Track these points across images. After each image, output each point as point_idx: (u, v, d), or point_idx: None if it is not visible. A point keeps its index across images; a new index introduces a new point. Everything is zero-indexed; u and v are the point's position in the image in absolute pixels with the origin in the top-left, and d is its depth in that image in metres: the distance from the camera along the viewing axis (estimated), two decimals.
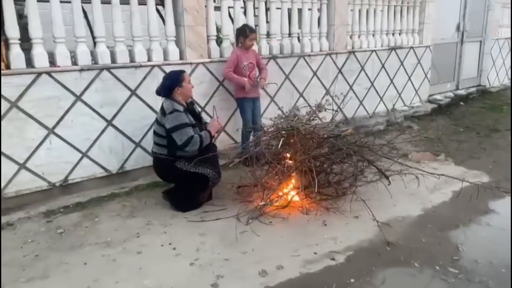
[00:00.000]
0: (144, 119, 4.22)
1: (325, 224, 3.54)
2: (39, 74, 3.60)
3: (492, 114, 7.62)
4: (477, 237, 3.43)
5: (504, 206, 3.43)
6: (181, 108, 3.62)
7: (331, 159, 3.62)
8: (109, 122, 4.06)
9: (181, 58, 4.48)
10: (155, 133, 3.70)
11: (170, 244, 3.23)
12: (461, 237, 3.41)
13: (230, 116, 4.95)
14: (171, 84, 3.67)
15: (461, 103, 8.29)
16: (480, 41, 9.01)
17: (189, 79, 3.79)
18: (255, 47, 5.00)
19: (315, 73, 5.76)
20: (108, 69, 3.97)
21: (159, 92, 3.73)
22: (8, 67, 3.50)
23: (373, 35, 6.55)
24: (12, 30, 3.49)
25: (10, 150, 3.55)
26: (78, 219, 3.61)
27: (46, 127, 3.70)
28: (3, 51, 3.48)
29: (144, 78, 4.21)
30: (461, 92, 8.57)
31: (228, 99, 4.89)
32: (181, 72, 3.78)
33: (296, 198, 3.81)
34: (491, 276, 2.87)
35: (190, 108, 3.82)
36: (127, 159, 4.21)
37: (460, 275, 2.89)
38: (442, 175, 3.69)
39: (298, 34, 5.64)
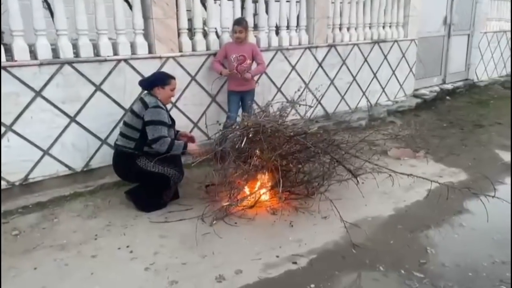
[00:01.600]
0: (110, 115, 4.08)
1: (292, 225, 3.42)
2: None
3: (478, 109, 7.53)
4: (448, 238, 3.33)
5: (480, 205, 3.34)
6: (164, 108, 3.57)
7: (298, 158, 3.49)
8: (72, 119, 3.91)
9: (150, 52, 4.33)
10: (126, 124, 3.54)
11: (127, 247, 3.11)
12: (431, 238, 3.32)
13: (203, 111, 4.81)
14: (155, 81, 3.62)
15: (447, 97, 8.18)
16: (468, 35, 8.87)
17: (175, 87, 3.73)
18: (252, 40, 4.97)
19: (293, 67, 5.61)
20: (70, 63, 3.82)
21: (142, 82, 3.69)
22: None
23: (355, 28, 6.39)
24: None
25: None
26: (36, 220, 3.48)
27: (3, 124, 3.55)
28: None
29: (110, 73, 4.06)
30: (448, 86, 8.45)
31: (200, 94, 4.75)
32: (171, 77, 3.71)
33: (266, 197, 3.70)
34: (457, 280, 2.78)
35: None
36: (92, 157, 4.07)
37: (425, 279, 2.79)
38: (411, 175, 3.57)
39: (276, 27, 5.48)
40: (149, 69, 4.27)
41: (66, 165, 3.96)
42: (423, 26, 7.56)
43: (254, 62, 4.74)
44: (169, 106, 4.45)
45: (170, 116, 3.75)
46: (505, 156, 5.13)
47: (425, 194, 3.99)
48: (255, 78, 4.86)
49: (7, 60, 3.54)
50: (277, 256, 3.00)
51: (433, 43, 8.08)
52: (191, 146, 3.67)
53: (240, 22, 4.60)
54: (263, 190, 3.61)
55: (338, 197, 3.84)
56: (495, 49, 9.58)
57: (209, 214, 3.52)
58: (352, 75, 6.43)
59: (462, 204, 3.81)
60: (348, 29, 6.31)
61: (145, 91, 3.66)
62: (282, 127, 3.34)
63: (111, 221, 3.49)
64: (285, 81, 5.54)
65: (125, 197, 3.78)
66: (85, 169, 4.07)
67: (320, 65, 5.95)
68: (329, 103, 6.21)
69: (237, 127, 3.59)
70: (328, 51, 6.00)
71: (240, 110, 4.73)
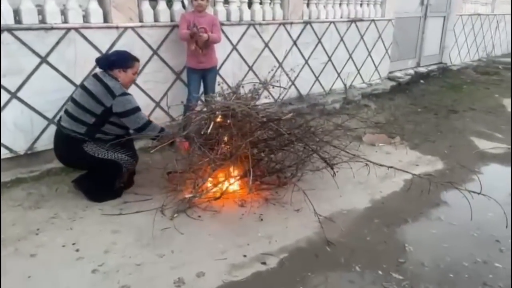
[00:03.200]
0: (58, 91, 3.60)
1: (261, 219, 3.12)
2: None
3: (451, 94, 7.40)
4: (426, 233, 3.11)
5: (456, 197, 3.14)
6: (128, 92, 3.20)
7: (270, 145, 3.16)
8: (13, 95, 3.43)
9: (105, 21, 3.84)
10: (78, 105, 3.08)
11: (73, 244, 2.72)
12: (409, 234, 3.09)
13: (166, 90, 4.38)
14: (115, 62, 3.19)
15: (421, 81, 8.02)
16: (444, 17, 8.69)
17: (137, 71, 3.36)
18: (210, 11, 4.45)
19: (266, 44, 5.23)
20: (10, 30, 3.30)
21: (100, 60, 3.24)
22: None
23: (332, 5, 6.04)
24: None
25: None
26: None
27: None
28: None
29: (57, 42, 3.56)
30: (422, 69, 8.29)
31: (164, 70, 4.31)
32: (135, 58, 3.31)
33: (235, 187, 3.37)
34: (437, 282, 2.56)
35: None
36: (37, 138, 3.61)
37: (404, 282, 2.55)
38: (391, 167, 3.30)
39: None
40: (104, 40, 3.82)
41: (7, 147, 3.49)
42: (400, 6, 7.29)
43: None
44: None
45: None
46: (480, 143, 4.98)
47: (402, 185, 3.77)
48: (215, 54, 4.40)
49: None
50: (245, 256, 2.69)
51: (410, 24, 7.85)
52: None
53: None
54: (231, 181, 3.27)
55: (311, 187, 3.56)
56: (469, 33, 9.47)
57: (170, 205, 3.17)
58: (327, 55, 6.11)
59: (440, 196, 3.60)
60: (325, 6, 5.95)
61: (101, 70, 3.20)
62: (253, 111, 2.98)
63: (57, 212, 3.08)
64: (257, 59, 5.16)
65: (73, 186, 3.35)
66: (29, 152, 3.61)
67: (294, 43, 5.59)
68: (303, 84, 5.89)
69: (204, 109, 3.20)
70: (304, 28, 5.64)
71: (202, 91, 4.33)
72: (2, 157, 3.48)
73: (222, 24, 4.62)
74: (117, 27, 3.88)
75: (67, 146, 3.13)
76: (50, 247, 2.67)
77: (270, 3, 5.25)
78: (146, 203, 3.24)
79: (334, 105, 6.02)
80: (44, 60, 3.53)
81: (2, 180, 3.38)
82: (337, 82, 6.43)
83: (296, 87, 5.78)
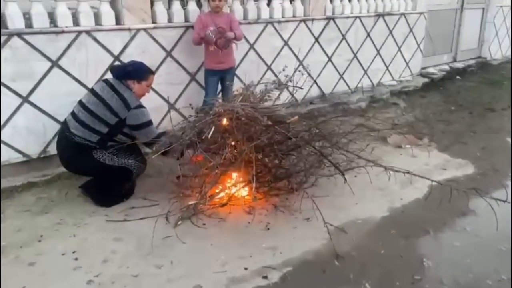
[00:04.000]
0: (70, 95, 3.58)
1: (268, 228, 2.97)
2: None
3: (489, 91, 6.92)
4: (448, 246, 2.87)
5: (485, 206, 2.86)
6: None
7: (277, 150, 3.00)
8: (25, 99, 3.44)
9: (117, 23, 3.80)
10: (91, 113, 3.04)
11: (74, 252, 2.68)
12: (428, 247, 2.86)
13: (181, 91, 4.31)
14: (131, 74, 3.17)
15: (457, 77, 7.57)
16: (483, 8, 8.16)
17: (151, 83, 3.31)
18: (226, 9, 4.33)
19: (286, 42, 5.05)
20: (19, 34, 3.31)
21: (114, 70, 3.22)
22: None
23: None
24: None
25: None
26: None
27: None
28: None
29: (69, 46, 3.55)
30: (459, 65, 7.82)
31: (178, 72, 4.23)
32: (150, 71, 3.29)
33: (244, 193, 3.24)
34: None
35: None
36: (50, 142, 3.61)
37: None
38: (408, 172, 3.06)
39: None
40: (116, 42, 3.78)
41: (20, 151, 3.51)
42: None
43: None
44: None
45: None
46: None
47: (426, 191, 3.49)
48: (234, 54, 4.27)
49: None
50: (246, 269, 2.56)
51: (444, 17, 7.42)
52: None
53: None
54: (237, 187, 3.14)
55: (325, 194, 3.39)
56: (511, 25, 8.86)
57: (175, 212, 3.09)
58: (352, 51, 5.85)
59: (467, 204, 3.32)
60: (350, 0, 5.68)
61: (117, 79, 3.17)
62: (258, 114, 2.83)
63: (63, 218, 3.05)
64: (276, 57, 4.99)
65: (80, 191, 3.33)
66: (42, 156, 3.62)
67: (316, 40, 5.37)
68: (326, 83, 5.67)
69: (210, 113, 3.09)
70: (326, 24, 5.41)
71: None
72: (15, 161, 3.50)
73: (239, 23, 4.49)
74: (129, 29, 3.83)
75: (76, 153, 3.09)
76: (50, 256, 2.64)
77: (290, 0, 5.06)
78: (153, 209, 3.17)
79: (359, 104, 5.76)
80: (55, 64, 3.52)
81: (14, 184, 3.40)
82: (364, 79, 6.15)
83: (318, 85, 5.57)
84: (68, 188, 3.44)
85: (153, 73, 3.29)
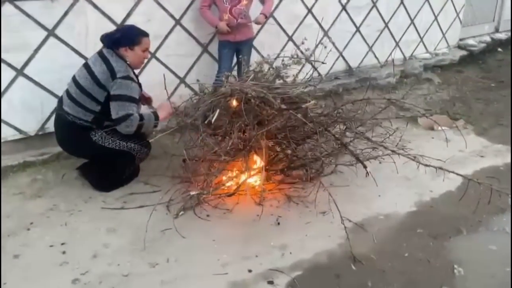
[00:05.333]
0: (69, 67, 3.23)
1: (278, 223, 2.66)
2: None
3: None
4: (484, 250, 2.52)
5: None
6: (134, 77, 2.81)
7: (290, 138, 2.64)
8: (20, 71, 3.17)
9: None
10: (82, 89, 2.74)
11: (62, 244, 2.44)
12: (461, 250, 2.51)
13: (192, 64, 3.95)
14: (121, 40, 2.78)
15: (499, 49, 6.89)
16: None
17: (148, 47, 2.88)
18: None
19: (309, 10, 4.58)
20: (12, 1, 3.01)
21: (104, 39, 2.83)
22: None
23: None
24: None
25: None
26: None
27: None
28: None
29: (66, 13, 3.23)
30: (501, 36, 7.11)
31: (188, 43, 3.87)
32: (142, 33, 2.85)
33: (254, 182, 2.91)
34: None
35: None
36: (48, 118, 3.36)
37: None
38: (440, 168, 2.63)
39: None
40: (118, 9, 3.45)
41: (16, 128, 3.28)
42: None
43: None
44: None
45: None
46: None
47: (460, 182, 3.10)
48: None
49: None
50: (250, 271, 2.27)
51: None
52: (163, 114, 2.88)
53: None
54: (246, 175, 2.81)
55: (344, 184, 3.05)
56: None
57: (177, 200, 2.80)
58: (383, 21, 5.31)
59: (507, 200, 2.90)
60: None
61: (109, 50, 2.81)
62: (270, 96, 2.46)
63: (57, 203, 2.82)
64: (298, 27, 4.55)
65: (78, 173, 3.08)
66: (40, 133, 3.38)
67: (344, 8, 4.87)
68: (353, 56, 5.19)
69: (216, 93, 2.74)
70: None
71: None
72: (11, 138, 3.28)
73: None
74: None
75: (72, 135, 2.84)
76: (36, 247, 2.41)
77: None
78: (154, 195, 2.90)
79: (388, 79, 5.27)
80: (51, 33, 3.22)
81: (10, 163, 3.18)
82: (395, 52, 5.61)
83: (344, 58, 5.10)
84: (66, 169, 3.20)
85: (146, 35, 2.87)
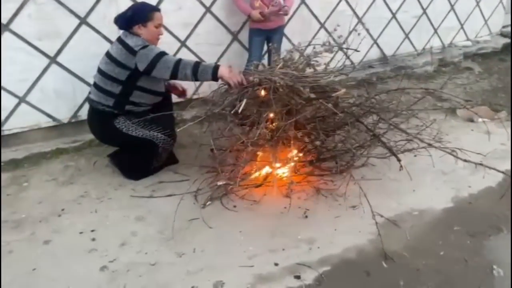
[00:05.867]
0: (100, 56, 3.23)
1: (306, 216, 2.59)
2: None
3: None
4: None
5: None
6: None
7: (319, 128, 2.55)
8: (53, 59, 3.21)
9: None
10: (103, 74, 2.75)
11: (92, 231, 2.47)
12: (500, 250, 2.37)
13: (222, 52, 3.91)
14: (133, 17, 2.72)
15: None
16: None
17: (161, 22, 2.80)
18: None
19: None
20: None
21: (117, 20, 2.79)
22: None
23: None
24: None
25: None
26: (4, 182, 2.93)
27: None
28: None
29: (98, 1, 3.24)
30: None
31: (217, 31, 3.82)
32: (153, 9, 2.79)
33: (282, 173, 2.85)
34: None
35: None
36: (81, 106, 3.41)
37: None
38: (481, 164, 2.47)
39: None
40: None
41: (49, 115, 3.34)
42: None
43: None
44: (175, 44, 3.62)
45: None
46: None
47: (501, 178, 2.93)
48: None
49: None
50: (276, 264, 2.22)
51: None
52: (222, 71, 2.61)
53: None
54: (274, 166, 2.75)
55: (377, 177, 2.94)
56: None
57: (205, 190, 2.78)
58: (422, 7, 5.10)
59: None
60: None
61: (123, 31, 2.79)
62: (299, 85, 2.38)
63: (88, 190, 2.86)
64: (331, 14, 4.42)
65: (109, 161, 3.11)
66: (73, 121, 3.44)
67: None
68: (388, 43, 5.02)
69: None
70: None
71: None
72: (45, 125, 3.35)
73: None
74: None
75: (98, 122, 2.88)
76: (67, 234, 2.45)
77: None
78: (183, 184, 2.89)
79: (426, 68, 5.07)
80: (83, 21, 3.24)
81: (43, 150, 3.25)
82: (433, 39, 5.39)
83: (379, 46, 4.93)
84: (97, 157, 3.24)
85: (157, 10, 2.81)
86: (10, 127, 3.22)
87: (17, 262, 2.22)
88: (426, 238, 2.42)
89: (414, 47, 5.25)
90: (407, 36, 5.14)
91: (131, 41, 2.70)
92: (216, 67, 2.61)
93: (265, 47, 3.81)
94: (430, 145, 2.55)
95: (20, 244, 2.35)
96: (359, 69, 4.80)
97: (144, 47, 2.67)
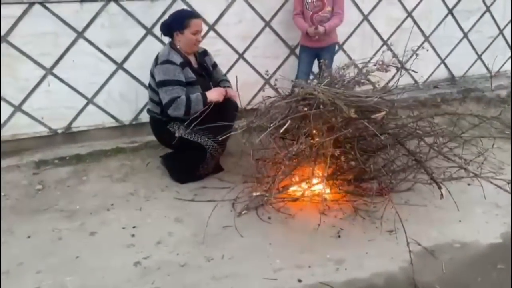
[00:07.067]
0: None
1: (339, 236, 2.56)
2: (31, 4, 3.11)
3: None
4: None
5: None
6: (177, 60, 2.88)
7: (357, 149, 2.52)
8: (120, 65, 3.49)
9: None
10: (149, 85, 3.04)
11: (134, 227, 2.64)
12: None
13: (278, 65, 3.99)
14: (171, 25, 2.92)
15: None
16: None
17: (199, 29, 2.93)
18: None
19: (409, 14, 4.32)
20: (116, 0, 3.31)
21: (160, 27, 3.02)
22: None
23: None
24: None
25: (1, 90, 3.23)
26: (67, 175, 3.22)
27: (43, 67, 3.28)
28: None
29: (164, 13, 3.46)
30: None
31: (276, 45, 3.90)
32: (191, 15, 2.94)
33: (321, 189, 2.84)
34: None
35: (198, 60, 3.06)
36: (142, 110, 3.65)
37: None
38: None
39: None
40: (211, 10, 3.61)
41: (113, 117, 3.62)
42: None
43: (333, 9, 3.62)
44: (232, 56, 3.74)
45: (202, 64, 3.08)
46: None
47: None
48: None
49: None
50: (300, 281, 2.22)
51: None
52: (211, 94, 2.91)
53: None
54: (313, 182, 2.76)
55: (422, 203, 2.83)
56: None
57: (244, 199, 2.86)
58: (498, 27, 4.80)
59: None
60: None
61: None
62: (342, 103, 2.37)
63: (137, 189, 3.06)
64: (395, 31, 4.31)
65: (160, 162, 3.30)
66: (133, 123, 3.69)
67: (450, 11, 4.50)
68: (457, 64, 4.79)
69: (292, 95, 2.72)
70: None
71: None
72: (109, 125, 3.63)
73: None
74: None
75: (155, 128, 3.13)
76: (112, 227, 2.64)
77: None
78: (224, 191, 2.99)
79: (498, 92, 4.75)
80: (149, 31, 3.48)
81: (104, 148, 3.52)
82: (510, 62, 5.03)
83: (446, 66, 4.71)
84: (151, 158, 3.44)
85: (195, 16, 2.90)
86: (78, 125, 3.53)
87: (64, 249, 2.44)
88: (464, 273, 2.28)
89: (487, 69, 4.95)
90: (479, 57, 4.86)
91: (161, 51, 2.92)
92: (204, 95, 2.86)
93: (316, 64, 3.81)
94: (476, 175, 2.41)
95: (70, 233, 2.58)
96: (423, 89, 4.62)
97: (164, 62, 2.83)
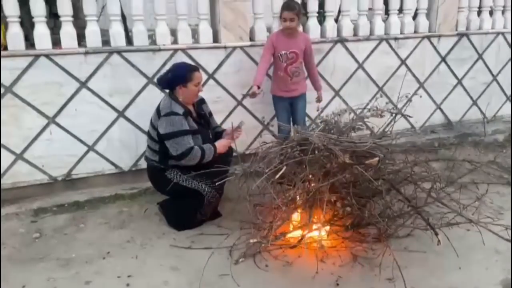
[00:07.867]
0: None
1: (337, 284, 2.52)
2: (37, 56, 3.24)
3: None
4: None
5: None
6: (180, 111, 2.95)
7: (352, 194, 2.53)
8: (121, 113, 3.57)
9: (214, 41, 3.74)
10: (148, 134, 3.11)
11: (128, 276, 2.60)
12: None
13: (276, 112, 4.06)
14: (173, 79, 3.00)
15: None
16: None
17: (199, 81, 3.04)
18: (300, 29, 3.86)
19: (403, 62, 4.45)
20: (119, 52, 3.45)
21: (160, 81, 3.09)
22: (6, 48, 3.21)
23: (502, 11, 4.83)
24: (9, 6, 3.16)
25: (4, 139, 3.30)
26: (64, 223, 3.22)
27: (45, 116, 3.37)
28: (2, 30, 3.20)
29: (164, 64, 3.60)
30: None
31: None
32: (192, 69, 3.04)
33: (319, 235, 2.83)
34: None
35: (196, 109, 3.14)
36: (141, 156, 3.69)
37: None
38: None
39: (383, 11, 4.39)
40: (210, 60, 3.74)
41: (113, 163, 3.67)
42: None
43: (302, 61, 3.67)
44: (231, 103, 3.84)
45: (199, 113, 3.16)
46: None
47: None
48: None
49: (52, 48, 3.32)
50: None
51: None
52: (219, 146, 3.05)
53: (291, 7, 3.41)
54: (310, 228, 2.75)
55: (421, 249, 2.79)
56: None
57: (242, 246, 2.83)
58: (491, 73, 4.93)
59: None
60: (491, 12, 4.79)
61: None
62: (337, 149, 2.41)
63: (134, 236, 3.04)
64: (389, 78, 4.44)
65: (157, 209, 3.31)
66: (133, 169, 3.73)
67: (443, 59, 4.64)
68: (453, 109, 4.87)
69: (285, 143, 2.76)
70: (457, 41, 4.65)
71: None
72: (108, 172, 3.66)
73: (345, 40, 4.09)
74: (225, 47, 3.74)
75: (153, 175, 3.17)
76: (107, 276, 2.61)
77: (412, 14, 4.45)
78: (221, 238, 2.97)
79: (495, 137, 4.80)
80: (150, 81, 3.59)
81: (103, 195, 3.54)
82: (506, 107, 5.13)
83: (442, 111, 4.80)
84: (149, 204, 3.45)
85: (196, 69, 3.00)
86: (78, 172, 3.57)
87: None
88: None
89: (483, 114, 5.03)
90: (474, 102, 4.96)
91: (163, 103, 2.99)
92: (215, 147, 3.00)
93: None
94: (471, 221, 2.40)
95: (64, 282, 2.55)
96: (420, 133, 4.68)
97: (168, 114, 2.89)
